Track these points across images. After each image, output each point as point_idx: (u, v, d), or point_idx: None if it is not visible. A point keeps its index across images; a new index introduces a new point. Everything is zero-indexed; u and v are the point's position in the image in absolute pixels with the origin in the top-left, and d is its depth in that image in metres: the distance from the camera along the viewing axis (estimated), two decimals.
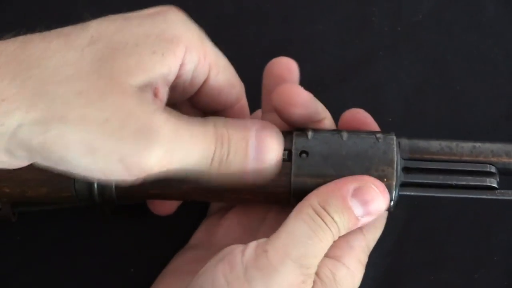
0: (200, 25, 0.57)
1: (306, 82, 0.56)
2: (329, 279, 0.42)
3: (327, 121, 0.47)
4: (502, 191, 0.45)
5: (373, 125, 0.48)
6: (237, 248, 0.41)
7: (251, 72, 0.57)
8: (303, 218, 0.41)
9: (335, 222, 0.42)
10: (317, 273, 0.42)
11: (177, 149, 0.39)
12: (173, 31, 0.40)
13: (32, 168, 0.40)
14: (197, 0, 0.58)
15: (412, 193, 0.45)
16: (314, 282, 0.42)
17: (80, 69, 0.37)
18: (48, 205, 0.47)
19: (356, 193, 0.42)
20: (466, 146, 0.46)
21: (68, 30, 0.39)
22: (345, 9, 0.58)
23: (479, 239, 0.53)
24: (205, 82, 0.43)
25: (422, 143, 0.46)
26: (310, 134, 0.45)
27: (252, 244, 0.41)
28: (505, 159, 0.45)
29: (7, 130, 0.36)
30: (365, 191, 0.42)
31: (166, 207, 0.50)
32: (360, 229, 0.44)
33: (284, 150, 0.44)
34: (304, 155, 0.44)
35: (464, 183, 0.45)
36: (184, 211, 0.51)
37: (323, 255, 0.42)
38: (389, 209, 0.44)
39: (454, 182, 0.45)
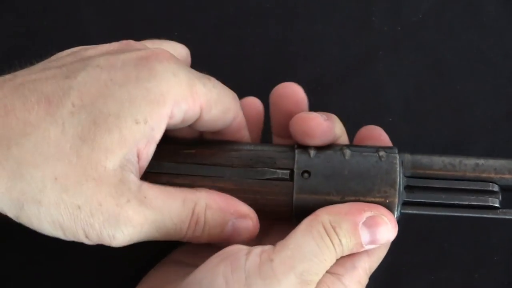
0: (200, 25, 0.57)
1: (306, 82, 0.56)
2: None
3: (342, 139, 0.47)
4: (504, 210, 0.45)
5: (387, 142, 0.48)
6: (241, 251, 0.41)
7: (251, 72, 0.57)
8: (312, 234, 0.41)
9: (342, 244, 0.41)
10: None
11: (144, 233, 0.41)
12: (160, 88, 0.40)
13: None
14: (197, 0, 0.58)
15: (414, 212, 0.45)
16: None
17: (60, 149, 0.38)
18: None
19: (368, 222, 0.42)
20: (469, 163, 0.45)
21: (50, 92, 0.39)
22: (345, 9, 0.58)
23: (479, 238, 0.53)
24: (197, 119, 0.43)
25: (424, 160, 0.45)
26: (312, 152, 0.44)
27: (257, 250, 0.41)
28: (507, 176, 0.45)
29: None
30: (377, 222, 0.42)
31: None
32: (366, 251, 0.44)
33: (286, 169, 0.44)
34: (306, 174, 0.44)
35: (466, 202, 0.45)
36: None
37: (324, 273, 0.41)
38: None
39: (456, 202, 0.45)
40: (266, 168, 0.44)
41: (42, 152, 0.38)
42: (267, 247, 0.41)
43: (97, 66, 0.40)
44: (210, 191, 0.43)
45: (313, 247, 0.41)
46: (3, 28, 0.56)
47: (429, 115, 0.56)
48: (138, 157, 0.41)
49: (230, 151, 0.45)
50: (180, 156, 0.44)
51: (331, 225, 0.41)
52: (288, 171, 0.44)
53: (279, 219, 0.46)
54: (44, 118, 0.38)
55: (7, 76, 0.40)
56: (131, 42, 0.44)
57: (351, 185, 0.43)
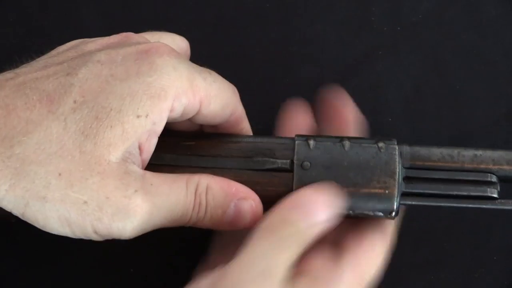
0: (200, 25, 0.57)
1: (306, 82, 0.56)
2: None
3: None
4: (503, 200, 0.45)
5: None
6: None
7: (251, 72, 0.57)
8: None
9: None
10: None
11: (153, 221, 0.40)
12: (160, 82, 0.40)
13: None
14: (197, 0, 0.58)
15: (413, 203, 0.45)
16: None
17: (63, 145, 0.38)
18: None
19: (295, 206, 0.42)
20: (468, 154, 0.45)
21: (51, 90, 0.39)
22: (345, 9, 0.58)
23: (479, 238, 0.53)
24: (196, 113, 0.43)
25: (423, 151, 0.46)
26: (312, 143, 0.45)
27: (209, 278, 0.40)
28: (506, 167, 0.45)
29: None
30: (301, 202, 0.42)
31: None
32: (354, 264, 0.43)
33: (286, 159, 0.44)
34: (305, 165, 0.44)
35: (465, 193, 0.45)
36: None
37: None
38: (390, 217, 0.44)
39: (455, 192, 0.45)
40: (266, 159, 0.44)
41: (44, 149, 0.38)
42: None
43: (97, 62, 0.40)
44: (211, 175, 0.43)
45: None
46: (3, 28, 0.56)
47: (428, 115, 0.56)
48: (140, 150, 0.41)
49: (229, 143, 0.45)
50: (180, 148, 0.45)
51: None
52: (288, 162, 0.44)
53: None
54: (46, 115, 0.38)
55: (9, 75, 0.40)
56: (130, 35, 0.44)
57: (350, 176, 0.44)
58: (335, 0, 0.58)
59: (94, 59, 0.40)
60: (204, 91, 0.42)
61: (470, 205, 0.45)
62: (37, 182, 0.38)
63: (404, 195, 0.45)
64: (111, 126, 0.39)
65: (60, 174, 0.38)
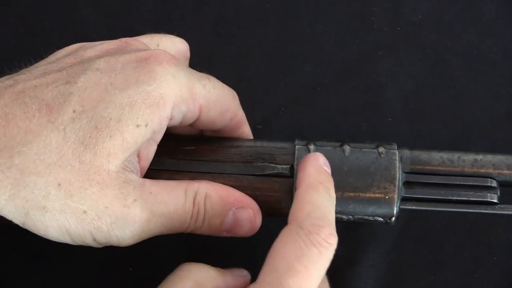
0: (200, 25, 0.57)
1: (305, 82, 0.56)
2: None
3: None
4: (502, 205, 0.45)
5: None
6: None
7: (251, 72, 0.57)
8: None
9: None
10: None
11: (152, 229, 0.41)
12: (159, 91, 0.40)
13: None
14: (197, 0, 0.58)
15: (413, 208, 0.45)
16: None
17: (62, 155, 0.38)
18: None
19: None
20: (468, 159, 0.45)
21: (50, 99, 0.39)
22: (345, 9, 0.58)
23: (479, 239, 0.53)
24: (196, 120, 0.43)
25: (423, 156, 0.46)
26: (312, 148, 0.45)
27: None
28: (506, 172, 0.45)
29: None
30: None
31: None
32: None
33: (286, 165, 0.44)
34: None
35: (465, 198, 0.45)
36: None
37: None
38: (390, 223, 0.44)
39: (455, 197, 0.45)
40: (266, 164, 0.44)
41: (44, 160, 0.38)
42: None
43: (96, 70, 0.40)
44: (211, 182, 0.43)
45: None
46: (3, 28, 0.56)
47: (428, 115, 0.56)
48: (139, 158, 0.41)
49: (229, 148, 0.45)
50: (180, 153, 0.45)
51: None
52: (288, 167, 0.44)
53: (278, 216, 0.46)
54: (45, 125, 0.38)
55: (8, 82, 0.40)
56: (129, 40, 0.44)
57: (350, 181, 0.44)
58: (335, 0, 0.58)
59: (93, 67, 0.40)
60: (204, 98, 0.42)
61: (470, 210, 0.45)
62: (37, 193, 0.38)
63: (404, 200, 0.45)
64: (111, 136, 0.39)
65: (59, 184, 0.38)
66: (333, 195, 0.42)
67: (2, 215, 0.38)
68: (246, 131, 0.48)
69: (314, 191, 0.41)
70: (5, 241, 0.51)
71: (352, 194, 0.43)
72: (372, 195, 0.43)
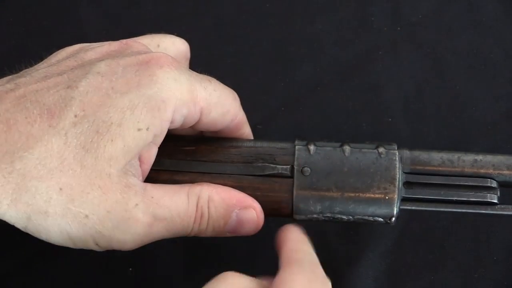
0: (200, 25, 0.57)
1: (305, 82, 0.56)
2: None
3: None
4: (502, 206, 0.45)
5: None
6: None
7: (251, 72, 0.57)
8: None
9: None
10: None
11: (154, 233, 0.41)
12: (160, 95, 0.40)
13: None
14: (197, 0, 0.58)
15: (413, 208, 0.45)
16: None
17: (64, 160, 0.38)
18: None
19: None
20: (468, 159, 0.45)
21: (52, 104, 0.39)
22: (345, 9, 0.58)
23: (479, 238, 0.53)
24: (197, 122, 0.43)
25: (423, 156, 0.45)
26: (312, 148, 0.45)
27: None
28: (506, 172, 0.45)
29: None
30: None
31: None
32: None
33: (286, 165, 0.44)
34: (306, 171, 0.44)
35: (464, 198, 0.45)
36: None
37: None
38: (390, 223, 0.44)
39: (454, 198, 0.45)
40: (266, 164, 0.44)
41: (45, 164, 0.38)
42: None
43: (98, 74, 0.40)
44: (212, 184, 0.43)
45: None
46: (3, 28, 0.56)
47: (428, 115, 0.56)
48: (140, 161, 0.41)
49: (229, 148, 0.45)
50: (180, 153, 0.45)
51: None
52: (288, 167, 0.44)
53: (278, 216, 0.46)
54: (47, 130, 0.38)
55: (9, 86, 0.40)
56: (130, 42, 0.44)
57: (350, 182, 0.44)
58: (335, 0, 0.58)
59: (94, 70, 0.40)
60: (205, 100, 0.42)
61: (469, 210, 0.45)
62: (38, 197, 0.38)
63: (404, 200, 0.45)
64: (112, 140, 0.39)
65: (61, 189, 0.38)
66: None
67: (4, 219, 0.38)
68: (246, 131, 0.48)
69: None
70: (5, 241, 0.52)
71: (352, 195, 0.43)
72: (372, 195, 0.43)
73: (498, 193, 0.45)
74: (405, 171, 0.45)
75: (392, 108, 0.56)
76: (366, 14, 0.58)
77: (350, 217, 0.44)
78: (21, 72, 0.42)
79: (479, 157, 0.45)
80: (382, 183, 0.43)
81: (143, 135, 0.39)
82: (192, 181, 0.44)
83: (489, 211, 0.45)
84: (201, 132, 0.48)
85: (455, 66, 0.57)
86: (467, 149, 0.54)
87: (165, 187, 0.42)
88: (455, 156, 0.45)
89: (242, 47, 0.57)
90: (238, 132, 0.47)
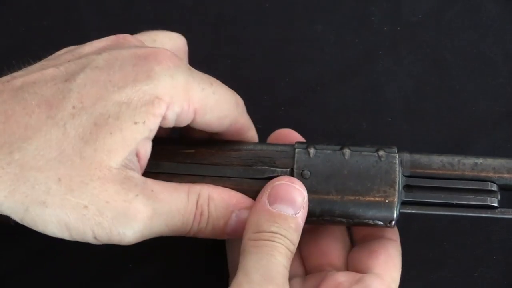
0: (199, 25, 0.57)
1: (305, 82, 0.57)
2: None
3: None
4: (503, 210, 0.45)
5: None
6: None
7: (250, 72, 0.57)
8: (248, 250, 0.41)
9: (276, 233, 0.41)
10: None
11: (154, 227, 0.41)
12: (156, 90, 0.40)
13: None
14: (197, 0, 0.58)
15: (413, 211, 0.45)
16: None
17: (63, 151, 0.38)
18: None
19: (274, 199, 0.42)
20: (468, 162, 0.45)
21: (50, 95, 0.39)
22: (345, 8, 0.58)
23: (479, 238, 0.53)
24: (191, 122, 0.43)
25: (423, 159, 0.45)
26: (312, 151, 0.44)
27: None
28: (506, 176, 0.45)
29: None
30: (278, 191, 0.42)
31: None
32: (375, 273, 0.44)
33: (286, 168, 0.44)
34: (305, 174, 0.44)
35: (465, 202, 0.45)
36: None
37: (285, 270, 0.41)
38: (390, 226, 0.44)
39: (455, 201, 0.45)
40: (266, 167, 0.44)
41: (44, 155, 0.38)
42: None
43: (95, 67, 0.40)
44: (213, 185, 0.43)
45: (255, 258, 0.40)
46: (3, 28, 0.56)
47: (428, 115, 0.56)
48: (137, 156, 0.41)
49: (229, 151, 0.45)
50: (179, 156, 0.45)
51: (256, 232, 0.41)
52: (288, 170, 0.44)
53: None
54: (45, 121, 0.38)
55: (5, 78, 0.40)
56: (127, 37, 0.44)
57: (350, 185, 0.43)
58: (335, 0, 0.58)
59: (92, 64, 0.40)
60: (200, 101, 0.42)
61: (470, 214, 0.45)
62: (37, 188, 0.38)
63: (404, 203, 0.45)
64: (111, 133, 0.39)
65: (60, 179, 0.38)
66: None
67: (1, 211, 0.38)
68: (250, 136, 0.48)
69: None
70: (4, 240, 0.52)
71: (352, 198, 0.43)
72: (372, 198, 0.43)
73: (499, 197, 0.45)
74: (405, 174, 0.45)
75: (392, 108, 0.56)
76: (366, 14, 0.58)
77: (350, 220, 0.44)
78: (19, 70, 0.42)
79: (480, 160, 0.45)
80: (382, 186, 0.43)
81: (140, 129, 0.39)
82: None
83: (489, 214, 0.45)
84: (208, 134, 0.47)
85: (455, 65, 0.57)
86: (467, 149, 0.55)
87: (165, 183, 0.42)
88: (455, 159, 0.45)
89: (242, 47, 0.57)
90: (240, 137, 0.47)
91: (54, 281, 0.51)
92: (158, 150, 0.43)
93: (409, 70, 0.57)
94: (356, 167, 0.44)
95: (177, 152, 0.45)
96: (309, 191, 0.43)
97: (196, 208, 0.42)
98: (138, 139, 0.40)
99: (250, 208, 0.43)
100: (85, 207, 0.38)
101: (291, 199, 0.42)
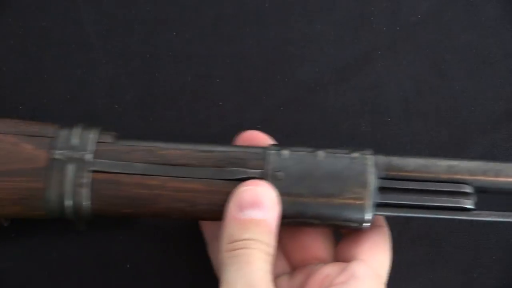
0: (199, 24, 0.58)
1: (304, 82, 0.56)
2: None
3: None
4: (478, 212, 0.45)
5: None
6: None
7: (250, 72, 0.57)
8: (226, 262, 0.41)
9: (249, 240, 0.42)
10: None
11: None
12: None
13: (5, 188, 0.43)
14: (197, 0, 0.58)
15: (387, 214, 0.45)
16: None
17: None
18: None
19: (243, 206, 0.42)
20: (443, 164, 0.45)
21: None
22: (344, 8, 0.58)
23: (478, 238, 0.53)
24: None
25: (398, 161, 0.45)
26: (285, 153, 0.44)
27: None
28: (481, 178, 0.45)
29: None
30: (244, 197, 0.43)
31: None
32: (360, 259, 0.44)
33: (258, 169, 0.44)
34: (278, 175, 0.44)
35: (439, 204, 0.44)
36: None
37: (267, 274, 0.41)
38: (363, 228, 0.44)
39: (429, 203, 0.44)
40: (237, 168, 0.44)
41: None
42: None
43: None
44: None
45: (235, 268, 0.41)
46: (2, 28, 0.56)
47: (428, 115, 0.56)
48: None
49: (201, 152, 0.45)
50: (152, 157, 0.45)
51: (229, 243, 0.42)
52: (260, 172, 0.44)
53: None
54: None
55: None
56: None
57: (323, 186, 0.43)
58: (334, 0, 0.58)
59: None
60: None
61: (444, 216, 0.45)
62: None
63: (378, 205, 0.44)
64: None
65: None
66: None
67: None
68: None
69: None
70: (1, 239, 0.52)
71: (325, 199, 0.43)
72: (344, 200, 0.43)
73: (474, 199, 0.45)
74: (380, 176, 0.45)
75: (391, 108, 0.56)
76: (366, 14, 0.58)
77: (323, 221, 0.44)
78: None
79: (455, 162, 0.45)
80: (355, 187, 0.43)
81: None
82: (163, 185, 0.44)
83: (464, 216, 0.45)
84: None
85: (454, 66, 0.57)
86: (466, 149, 0.55)
87: None
88: (430, 161, 0.45)
89: (241, 47, 0.57)
90: None
91: (51, 278, 0.52)
92: (130, 151, 0.43)
93: (409, 70, 0.57)
94: (329, 169, 0.44)
95: (150, 154, 0.45)
96: (281, 193, 0.43)
97: None
98: None
99: None
100: None
101: (259, 203, 0.42)
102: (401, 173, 0.45)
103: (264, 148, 0.45)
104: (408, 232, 0.53)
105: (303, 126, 0.55)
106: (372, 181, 0.44)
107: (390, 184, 0.45)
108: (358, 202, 0.43)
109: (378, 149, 0.46)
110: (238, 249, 0.41)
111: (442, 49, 0.58)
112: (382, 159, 0.45)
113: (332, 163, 0.44)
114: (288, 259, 0.48)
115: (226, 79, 0.56)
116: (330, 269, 0.44)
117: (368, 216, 0.43)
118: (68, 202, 0.44)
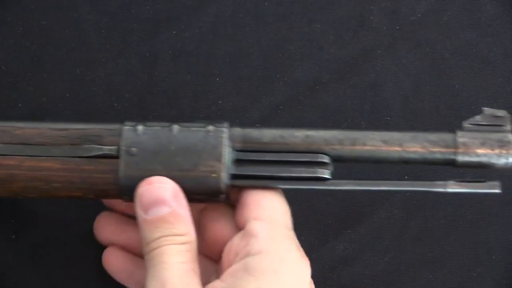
0: (199, 24, 0.58)
1: (304, 81, 0.56)
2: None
3: None
4: (335, 181, 0.45)
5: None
6: None
7: (249, 71, 0.57)
8: (146, 267, 0.42)
9: (161, 237, 0.42)
10: None
11: None
12: None
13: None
14: (197, 0, 0.58)
15: (244, 185, 0.45)
16: None
17: None
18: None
19: (146, 207, 0.43)
20: (299, 135, 0.45)
21: None
22: (344, 8, 0.58)
23: (477, 237, 0.53)
24: None
25: (255, 133, 0.45)
26: (140, 128, 0.44)
27: None
28: (338, 147, 0.45)
29: None
30: (144, 199, 0.43)
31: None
32: (252, 219, 0.44)
33: (113, 146, 0.44)
34: (133, 151, 0.44)
35: (296, 174, 0.44)
36: None
37: (183, 265, 0.42)
38: (220, 200, 0.44)
39: (286, 174, 0.44)
40: (93, 145, 0.44)
41: None
42: None
43: None
44: None
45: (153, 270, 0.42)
46: (2, 28, 0.56)
47: (427, 114, 0.56)
48: None
49: (58, 131, 0.45)
50: (7, 137, 0.45)
51: (146, 246, 0.43)
52: (115, 148, 0.44)
53: (108, 198, 0.46)
54: None
55: None
56: None
57: (177, 161, 0.43)
58: None
59: None
60: None
61: (301, 187, 0.45)
62: None
63: (234, 178, 0.44)
64: None
65: None
66: None
67: None
68: None
69: None
70: (2, 239, 0.52)
71: (179, 173, 0.43)
72: (199, 173, 0.43)
73: (331, 168, 0.45)
74: (236, 149, 0.45)
75: (391, 107, 0.56)
76: (365, 13, 0.58)
77: None
78: None
79: (311, 132, 0.45)
80: (209, 161, 0.43)
81: None
82: (19, 165, 0.44)
83: (321, 186, 0.45)
84: None
85: (454, 65, 0.57)
86: None
87: None
88: (287, 132, 0.45)
89: (241, 46, 0.57)
90: None
91: (50, 278, 0.52)
92: None
93: (408, 69, 0.57)
94: (184, 143, 0.44)
95: (5, 133, 0.45)
96: (135, 169, 0.43)
97: None
98: None
99: None
100: None
101: (159, 199, 0.43)
102: (257, 145, 0.45)
103: (120, 124, 0.45)
104: (408, 232, 0.53)
105: (303, 125, 0.55)
106: (227, 153, 0.44)
107: (246, 156, 0.45)
108: (213, 175, 0.43)
109: None
110: (153, 250, 0.42)
111: (442, 48, 0.58)
112: (238, 131, 0.45)
113: (187, 137, 0.44)
114: (212, 260, 0.47)
115: (225, 78, 0.56)
116: (234, 241, 0.44)
117: (223, 187, 0.43)
118: None
